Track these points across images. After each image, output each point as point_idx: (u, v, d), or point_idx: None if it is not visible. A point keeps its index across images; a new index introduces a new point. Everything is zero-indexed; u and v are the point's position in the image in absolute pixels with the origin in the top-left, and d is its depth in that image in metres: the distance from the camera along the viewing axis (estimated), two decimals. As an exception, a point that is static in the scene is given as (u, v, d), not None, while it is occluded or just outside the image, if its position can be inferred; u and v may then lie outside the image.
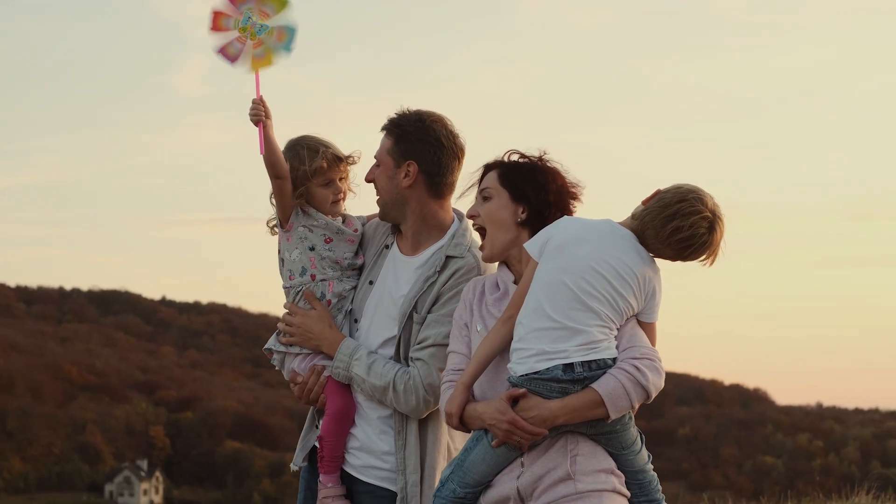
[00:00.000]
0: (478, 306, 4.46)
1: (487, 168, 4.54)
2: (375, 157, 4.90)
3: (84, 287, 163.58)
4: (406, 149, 4.80)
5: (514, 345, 4.19)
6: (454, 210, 4.91)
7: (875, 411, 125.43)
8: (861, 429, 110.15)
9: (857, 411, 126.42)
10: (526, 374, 4.14)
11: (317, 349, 4.90)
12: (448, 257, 4.77)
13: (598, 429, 4.19)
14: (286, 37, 4.79)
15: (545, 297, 4.15)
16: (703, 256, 4.23)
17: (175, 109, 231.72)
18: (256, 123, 4.78)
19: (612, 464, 4.24)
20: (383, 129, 4.90)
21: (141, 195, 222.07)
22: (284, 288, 4.99)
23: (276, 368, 5.06)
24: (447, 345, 4.57)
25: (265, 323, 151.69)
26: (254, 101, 4.78)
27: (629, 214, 4.33)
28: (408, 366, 4.74)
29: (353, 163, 4.99)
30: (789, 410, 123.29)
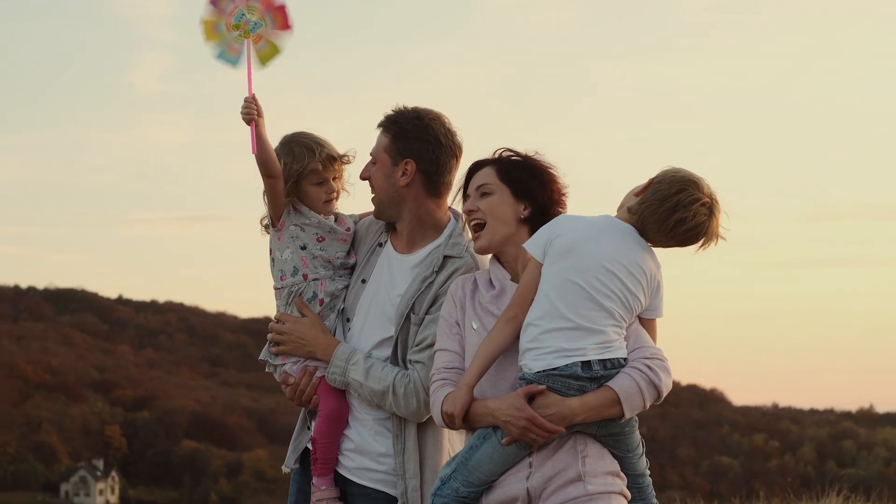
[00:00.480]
0: (471, 304, 4.40)
1: (480, 165, 4.51)
2: (372, 154, 4.83)
3: (40, 285, 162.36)
4: (404, 147, 4.73)
5: (526, 344, 4.15)
6: (450, 209, 4.84)
7: (830, 412, 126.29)
8: (817, 429, 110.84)
9: (813, 412, 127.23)
10: (544, 371, 4.10)
11: (310, 356, 4.80)
12: (446, 257, 4.69)
13: (609, 429, 4.17)
14: (281, 17, 4.69)
15: (559, 297, 4.12)
16: (703, 241, 4.25)
17: (132, 108, 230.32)
18: (249, 122, 4.69)
19: (617, 466, 4.22)
20: (380, 125, 4.82)
21: (98, 194, 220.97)
22: (276, 289, 4.91)
23: (270, 372, 4.98)
24: None
25: (223, 322, 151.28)
26: (246, 100, 4.69)
27: (622, 207, 4.31)
28: (406, 368, 4.66)
29: (348, 162, 4.91)
30: (746, 411, 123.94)
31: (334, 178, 4.89)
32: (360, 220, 5.04)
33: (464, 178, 4.57)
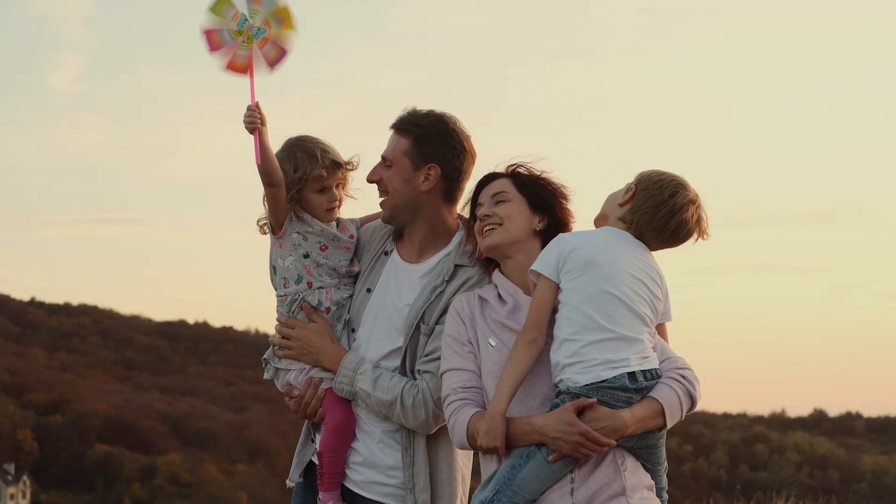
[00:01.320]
0: (483, 321, 4.33)
1: (495, 176, 4.49)
2: (386, 157, 4.69)
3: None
4: (428, 151, 4.61)
5: (566, 360, 4.09)
6: (459, 216, 4.73)
7: (743, 416, 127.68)
8: (729, 433, 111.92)
9: (726, 416, 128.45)
10: (592, 384, 4.05)
11: (316, 364, 4.70)
12: (457, 266, 4.61)
13: (647, 441, 4.15)
14: (286, 17, 4.59)
15: (595, 310, 4.08)
16: (696, 237, 4.32)
17: (47, 109, 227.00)
18: (252, 131, 4.56)
19: (651, 480, 4.21)
20: (396, 127, 4.69)
21: (11, 195, 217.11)
22: (279, 297, 4.79)
23: (267, 378, 4.87)
24: None
25: (137, 325, 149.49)
26: (249, 108, 4.57)
27: (606, 218, 4.32)
28: (414, 379, 4.57)
29: (352, 169, 4.80)
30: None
31: (337, 186, 4.78)
32: (363, 225, 4.92)
33: (474, 189, 4.53)
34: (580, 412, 4.03)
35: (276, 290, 4.83)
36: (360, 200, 4.89)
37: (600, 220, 4.37)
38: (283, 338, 4.77)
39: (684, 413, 4.17)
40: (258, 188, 4.71)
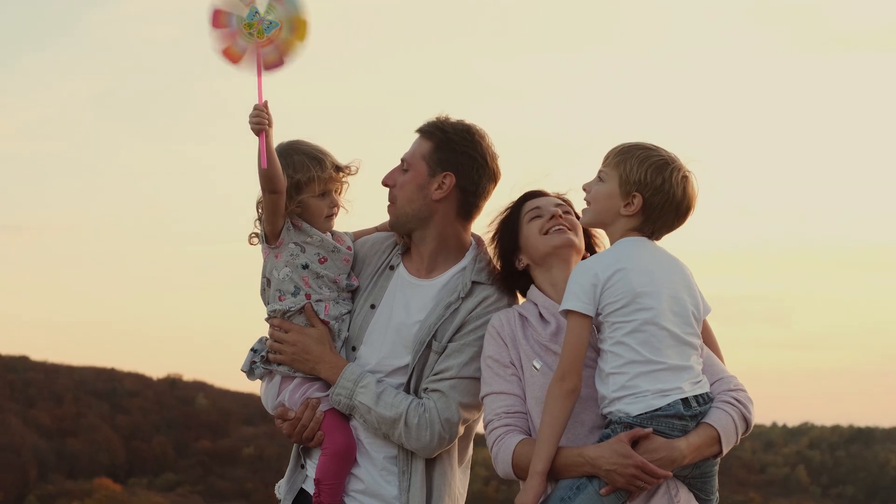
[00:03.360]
0: (525, 341, 4.11)
1: (538, 194, 4.35)
2: (405, 160, 4.41)
3: None
4: (446, 158, 4.35)
5: (615, 393, 3.89)
6: (473, 235, 4.50)
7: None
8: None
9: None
10: (646, 413, 3.85)
11: (311, 372, 4.36)
12: (475, 283, 4.34)
13: (702, 469, 3.97)
14: (301, 28, 4.26)
15: (640, 343, 3.87)
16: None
17: None
18: (259, 133, 4.21)
19: None
20: (421, 131, 4.43)
21: None
22: (274, 311, 4.42)
23: (256, 378, 4.50)
24: (469, 377, 4.23)
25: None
26: (256, 108, 4.21)
27: (605, 225, 4.06)
28: (419, 398, 4.29)
29: (351, 173, 4.49)
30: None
31: (337, 191, 4.47)
32: (357, 238, 4.62)
33: (511, 205, 4.34)
34: (634, 442, 3.85)
35: (267, 304, 4.48)
36: (352, 212, 4.60)
37: (596, 227, 4.17)
38: (277, 343, 4.41)
39: (739, 438, 4.01)
40: None
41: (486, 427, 4.11)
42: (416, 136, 4.45)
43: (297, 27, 4.26)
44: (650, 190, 3.96)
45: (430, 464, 4.33)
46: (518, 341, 4.13)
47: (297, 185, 4.38)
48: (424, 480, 4.31)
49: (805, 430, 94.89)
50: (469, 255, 4.45)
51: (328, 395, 4.38)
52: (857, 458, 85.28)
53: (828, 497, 78.86)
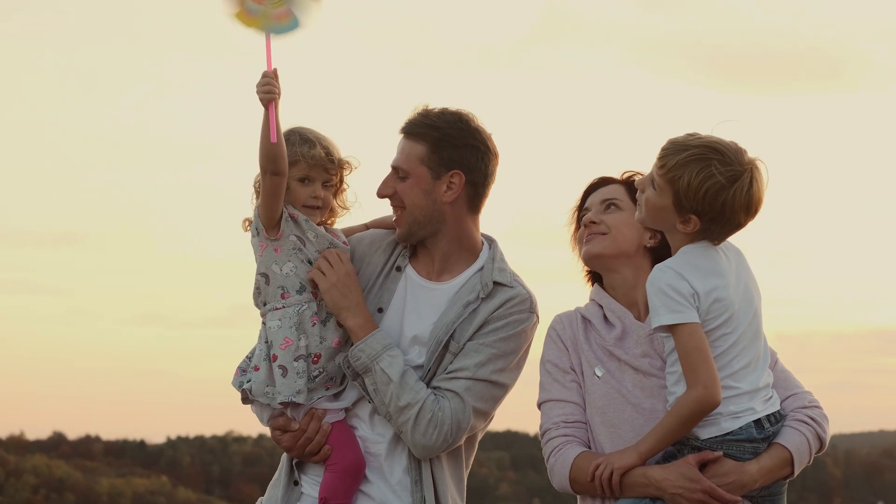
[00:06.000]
0: (588, 346, 3.90)
1: (608, 181, 4.04)
2: (398, 167, 4.09)
3: None
4: (448, 156, 4.06)
5: None
6: (483, 235, 4.24)
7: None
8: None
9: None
10: (717, 437, 3.64)
11: (335, 311, 4.03)
12: (497, 283, 4.08)
13: (771, 489, 3.78)
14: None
15: (720, 368, 3.61)
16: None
17: None
18: (268, 103, 3.85)
19: None
20: (406, 131, 4.10)
21: None
22: (272, 310, 4.02)
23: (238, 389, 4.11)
24: (485, 380, 4.00)
25: None
26: (265, 75, 3.89)
27: (674, 238, 3.72)
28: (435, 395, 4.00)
29: (344, 167, 4.12)
30: None
31: (324, 184, 4.07)
32: (350, 236, 4.26)
33: (581, 194, 4.08)
34: (702, 465, 3.65)
35: (266, 303, 4.08)
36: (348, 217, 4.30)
37: (651, 240, 3.91)
38: (318, 270, 4.06)
39: (812, 458, 3.83)
40: None
41: (542, 436, 3.91)
42: (401, 137, 4.15)
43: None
44: (708, 216, 3.64)
45: (438, 466, 4.07)
46: (580, 346, 3.93)
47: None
48: (434, 494, 4.04)
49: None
50: (484, 255, 4.20)
51: (337, 407, 4.06)
52: None
53: None
